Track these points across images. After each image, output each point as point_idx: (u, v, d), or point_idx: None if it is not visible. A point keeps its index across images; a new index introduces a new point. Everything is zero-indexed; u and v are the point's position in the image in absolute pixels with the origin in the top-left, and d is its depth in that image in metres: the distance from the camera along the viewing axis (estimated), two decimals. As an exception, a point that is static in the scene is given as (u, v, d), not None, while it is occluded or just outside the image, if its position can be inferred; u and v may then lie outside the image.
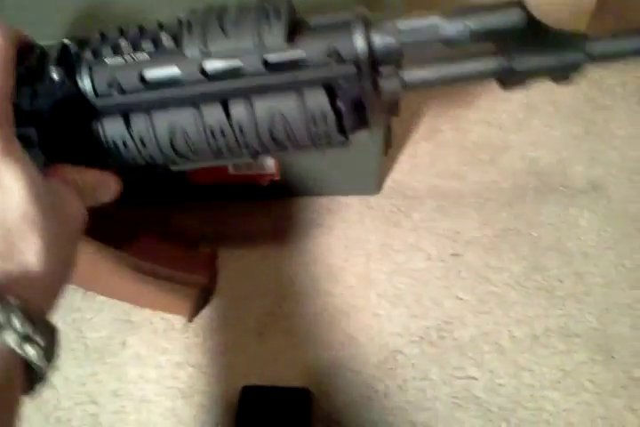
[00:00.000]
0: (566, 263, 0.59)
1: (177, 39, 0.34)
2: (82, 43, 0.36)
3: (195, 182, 0.62)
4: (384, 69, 0.35)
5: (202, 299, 0.55)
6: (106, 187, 0.35)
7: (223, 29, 0.34)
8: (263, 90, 0.34)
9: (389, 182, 0.66)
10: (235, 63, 0.34)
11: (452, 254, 0.60)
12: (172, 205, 0.63)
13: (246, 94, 0.35)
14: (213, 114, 0.35)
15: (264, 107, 0.35)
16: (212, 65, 0.34)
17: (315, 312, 0.57)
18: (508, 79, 0.36)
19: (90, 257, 0.48)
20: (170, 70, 0.35)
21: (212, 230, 0.62)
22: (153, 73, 0.35)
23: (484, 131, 0.70)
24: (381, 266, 0.59)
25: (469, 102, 0.73)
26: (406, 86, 0.35)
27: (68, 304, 0.57)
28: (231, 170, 0.61)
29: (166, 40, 0.34)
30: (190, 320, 0.55)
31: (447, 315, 0.56)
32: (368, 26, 0.34)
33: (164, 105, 0.35)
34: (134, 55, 0.35)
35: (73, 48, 0.35)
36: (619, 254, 0.59)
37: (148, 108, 0.35)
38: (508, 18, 0.33)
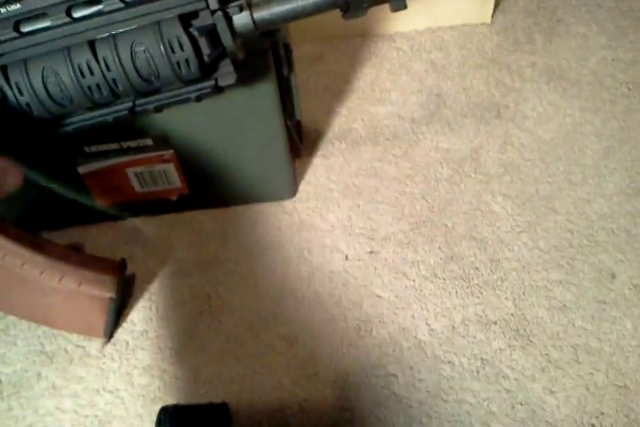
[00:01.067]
0: (481, 251, 0.59)
1: None
2: None
3: (104, 202, 0.61)
4: (233, 6, 0.41)
5: (114, 313, 0.54)
6: (9, 175, 0.35)
7: None
8: (123, 26, 0.40)
9: (304, 185, 0.65)
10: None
11: (369, 252, 0.60)
12: (86, 225, 0.63)
13: (108, 31, 0.40)
14: (81, 53, 0.40)
15: (125, 40, 0.40)
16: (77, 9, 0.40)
17: (233, 323, 0.56)
18: (349, 5, 0.43)
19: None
20: (41, 19, 0.40)
21: (126, 249, 0.61)
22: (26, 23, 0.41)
23: (397, 125, 0.70)
24: (299, 270, 0.59)
25: (380, 98, 0.73)
26: (256, 22, 0.41)
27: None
28: (138, 188, 0.60)
29: None
30: (107, 337, 0.54)
31: (366, 314, 0.56)
32: None
33: (35, 51, 0.40)
34: (8, 7, 0.40)
35: None
36: (532, 237, 0.59)
37: (22, 58, 0.40)
38: None
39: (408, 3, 0.76)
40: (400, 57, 0.77)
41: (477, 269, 0.58)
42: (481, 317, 0.55)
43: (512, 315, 0.55)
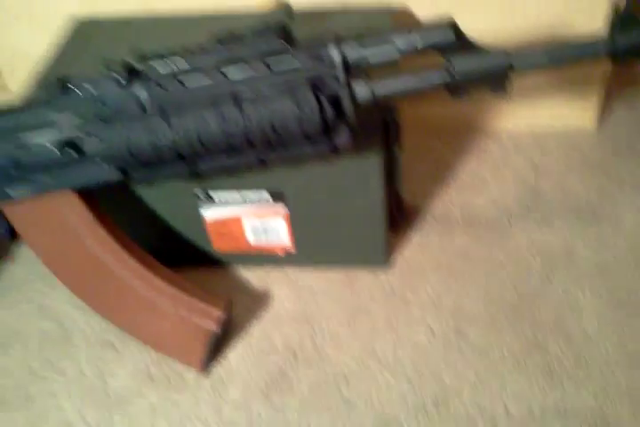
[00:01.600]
0: (567, 345, 0.60)
1: (207, 51, 0.50)
2: (142, 58, 0.51)
3: (218, 248, 0.67)
4: (356, 78, 0.49)
5: (213, 346, 0.58)
6: None
7: (236, 36, 0.50)
8: (266, 86, 0.49)
9: (399, 258, 0.69)
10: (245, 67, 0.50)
11: (455, 330, 0.62)
12: (198, 267, 0.68)
13: (252, 89, 0.49)
14: (228, 105, 0.49)
15: (266, 98, 0.49)
16: (230, 70, 0.50)
17: (317, 378, 0.59)
18: (454, 87, 0.50)
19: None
20: (201, 76, 0.50)
21: (230, 293, 0.66)
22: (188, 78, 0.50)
23: (493, 214, 0.74)
24: (385, 337, 0.62)
25: (480, 188, 0.77)
26: (375, 94, 0.50)
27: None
28: (251, 239, 0.65)
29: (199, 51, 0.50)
30: (203, 369, 0.58)
31: (445, 388, 0.57)
32: (340, 40, 0.49)
33: (193, 100, 0.50)
34: (176, 64, 0.50)
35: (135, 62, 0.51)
36: (621, 337, 0.60)
37: (182, 103, 0.50)
38: (443, 33, 0.48)
39: (514, 103, 0.82)
40: (502, 152, 0.82)
41: (561, 361, 0.59)
42: (560, 408, 0.55)
43: (592, 411, 0.55)
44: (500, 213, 0.74)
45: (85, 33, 0.72)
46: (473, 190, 0.77)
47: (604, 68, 0.77)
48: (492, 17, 0.72)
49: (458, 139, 0.84)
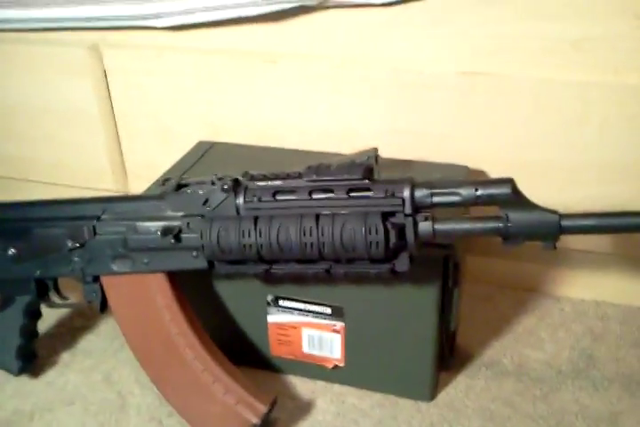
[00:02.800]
0: None
1: (300, 176, 0.59)
2: (246, 174, 0.61)
3: (275, 353, 0.72)
4: (421, 215, 0.56)
5: None
6: None
7: (329, 169, 0.58)
8: (343, 209, 0.57)
9: (443, 395, 0.71)
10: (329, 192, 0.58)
11: (485, 472, 0.62)
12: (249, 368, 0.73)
13: (332, 210, 0.57)
14: (308, 220, 0.57)
15: (341, 218, 0.56)
16: (316, 193, 0.58)
17: None
18: (508, 236, 0.55)
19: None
20: (291, 193, 0.58)
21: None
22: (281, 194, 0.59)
23: (544, 371, 0.75)
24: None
25: (535, 345, 0.79)
26: (435, 231, 0.56)
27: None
28: (306, 348, 0.70)
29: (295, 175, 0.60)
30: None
31: None
32: (414, 183, 0.56)
33: (280, 212, 0.58)
34: (273, 182, 0.60)
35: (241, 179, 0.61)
36: None
37: (270, 214, 0.58)
38: (502, 188, 0.54)
39: (581, 272, 0.86)
40: (562, 316, 0.85)
41: None
42: None
43: None
44: (550, 371, 0.75)
45: (206, 152, 0.85)
46: (527, 345, 0.79)
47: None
48: (556, 187, 0.80)
49: (520, 295, 0.88)
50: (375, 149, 0.61)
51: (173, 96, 0.89)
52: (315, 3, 0.79)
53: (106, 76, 0.91)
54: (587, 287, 0.87)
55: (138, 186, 0.92)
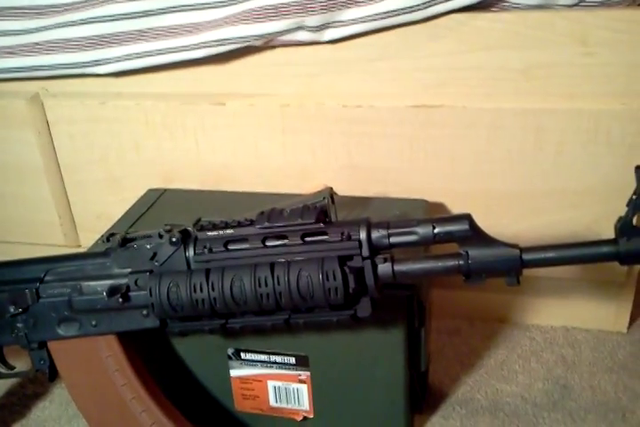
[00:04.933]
0: None
1: (253, 223, 0.56)
2: (196, 224, 0.58)
3: (240, 408, 0.68)
4: (379, 257, 0.54)
5: None
6: None
7: (281, 214, 0.56)
8: (298, 256, 0.54)
9: (418, 440, 0.69)
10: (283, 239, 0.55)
11: None
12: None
13: (287, 257, 0.54)
14: (262, 269, 0.54)
15: (296, 266, 0.54)
16: (269, 241, 0.55)
17: None
18: (469, 274, 0.53)
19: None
20: (243, 242, 0.56)
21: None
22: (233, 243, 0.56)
23: (519, 405, 0.73)
24: None
25: (507, 377, 0.78)
26: (395, 272, 0.54)
27: None
28: (272, 401, 0.67)
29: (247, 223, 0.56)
30: None
31: None
32: (370, 224, 0.54)
33: (232, 263, 0.55)
34: (224, 231, 0.56)
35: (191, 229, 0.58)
36: None
37: (222, 265, 0.55)
38: (460, 225, 0.53)
39: (548, 301, 0.85)
40: (532, 346, 0.83)
41: None
42: None
43: None
44: (525, 405, 0.73)
45: (157, 200, 0.82)
46: (500, 378, 0.78)
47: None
48: (515, 216, 0.79)
49: (489, 327, 0.87)
50: (330, 189, 0.60)
51: (120, 144, 0.87)
52: (260, 43, 0.78)
53: (49, 126, 0.88)
54: (555, 314, 0.86)
55: (89, 238, 0.88)
